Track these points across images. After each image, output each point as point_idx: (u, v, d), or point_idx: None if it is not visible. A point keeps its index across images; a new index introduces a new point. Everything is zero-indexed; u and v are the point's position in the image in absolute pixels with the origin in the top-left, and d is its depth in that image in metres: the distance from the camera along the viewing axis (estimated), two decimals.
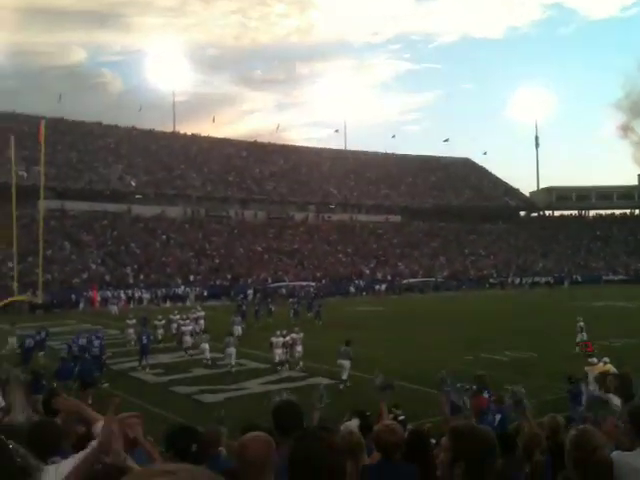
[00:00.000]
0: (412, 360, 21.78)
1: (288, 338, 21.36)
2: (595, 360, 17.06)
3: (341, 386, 17.68)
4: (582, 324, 24.12)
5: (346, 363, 18.54)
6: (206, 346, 22.00)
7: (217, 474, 1.39)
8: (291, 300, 38.15)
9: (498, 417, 12.06)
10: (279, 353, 20.87)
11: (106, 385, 18.24)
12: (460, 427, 2.73)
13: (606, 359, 16.78)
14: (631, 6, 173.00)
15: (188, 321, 26.70)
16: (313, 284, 57.29)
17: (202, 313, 30.24)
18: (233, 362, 20.89)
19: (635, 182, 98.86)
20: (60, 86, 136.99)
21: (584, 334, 23.63)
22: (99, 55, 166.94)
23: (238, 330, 27.23)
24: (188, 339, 24.38)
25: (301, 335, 21.68)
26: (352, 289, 58.72)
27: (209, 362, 21.81)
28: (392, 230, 78.80)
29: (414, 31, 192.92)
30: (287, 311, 35.88)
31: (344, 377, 18.23)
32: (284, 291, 53.86)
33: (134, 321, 27.20)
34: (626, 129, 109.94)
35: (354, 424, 10.46)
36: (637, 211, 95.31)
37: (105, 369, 20.26)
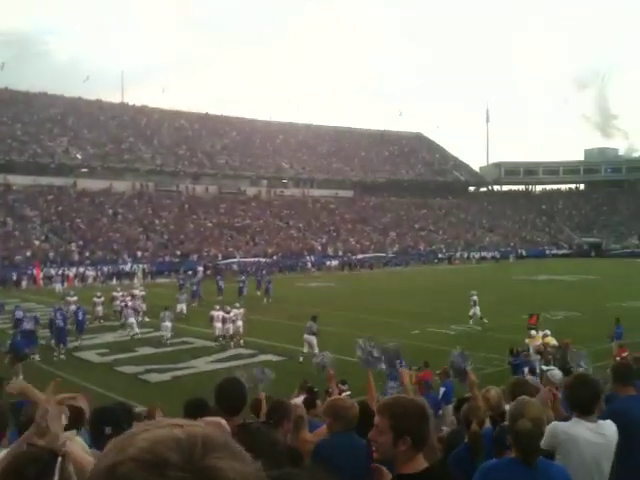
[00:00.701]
0: (360, 336, 21.93)
1: (232, 314, 21.43)
2: (534, 332, 17.57)
3: (301, 358, 17.72)
4: (475, 298, 24.46)
5: (311, 338, 18.65)
6: (168, 324, 21.67)
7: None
8: (238, 279, 37.55)
9: (442, 390, 12.33)
10: (218, 327, 21.29)
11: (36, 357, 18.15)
12: (392, 402, 2.67)
13: (547, 331, 17.31)
14: None
15: (129, 298, 26.06)
16: (264, 260, 56.97)
17: (142, 292, 28.91)
18: (169, 335, 21.43)
19: (581, 157, 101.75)
20: (1, 54, 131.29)
21: (477, 308, 24.21)
22: (43, 22, 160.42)
23: (182, 308, 27.20)
24: (132, 320, 23.44)
25: (242, 311, 21.78)
26: (309, 265, 58.69)
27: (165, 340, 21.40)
28: (344, 205, 79.01)
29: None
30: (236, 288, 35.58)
31: (305, 350, 18.24)
32: (235, 267, 53.44)
33: (75, 298, 26.40)
34: None
35: (300, 400, 10.51)
36: (582, 186, 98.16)
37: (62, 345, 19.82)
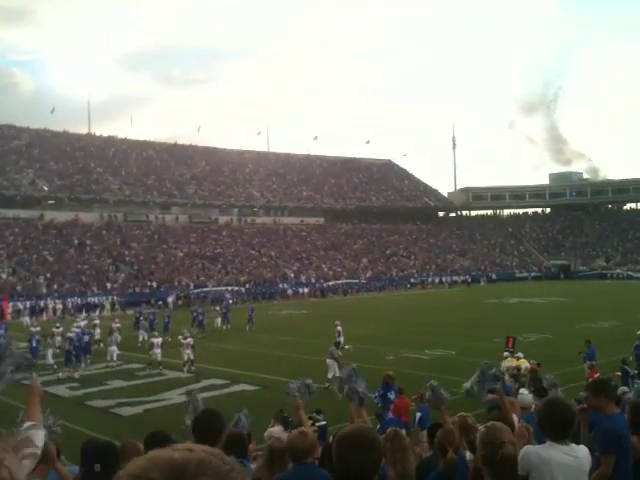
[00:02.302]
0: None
1: (188, 340, 22.48)
2: (506, 354, 17.68)
3: (326, 384, 17.40)
4: (340, 328, 24.50)
5: (332, 362, 18.66)
6: (157, 351, 22.61)
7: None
8: (193, 308, 36.67)
9: (418, 415, 12.29)
10: (157, 353, 22.52)
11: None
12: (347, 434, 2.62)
13: (520, 354, 17.43)
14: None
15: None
16: (229, 288, 56.37)
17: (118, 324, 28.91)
18: (114, 358, 23.18)
19: (546, 182, 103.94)
20: None
21: (342, 338, 24.17)
22: (9, 54, 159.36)
23: (143, 335, 27.90)
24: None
25: (189, 340, 22.54)
26: (289, 291, 58.77)
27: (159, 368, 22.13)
28: (316, 232, 79.16)
29: (335, 29, 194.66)
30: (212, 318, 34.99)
31: (329, 376, 17.94)
32: (208, 297, 52.90)
33: (60, 329, 26.72)
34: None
35: (276, 430, 10.39)
36: (548, 209, 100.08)
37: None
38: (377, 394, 13.74)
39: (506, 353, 17.72)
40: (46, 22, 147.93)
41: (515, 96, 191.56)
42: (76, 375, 21.46)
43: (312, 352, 24.64)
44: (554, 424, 3.72)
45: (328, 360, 19.04)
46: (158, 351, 22.59)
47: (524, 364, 16.62)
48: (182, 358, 22.47)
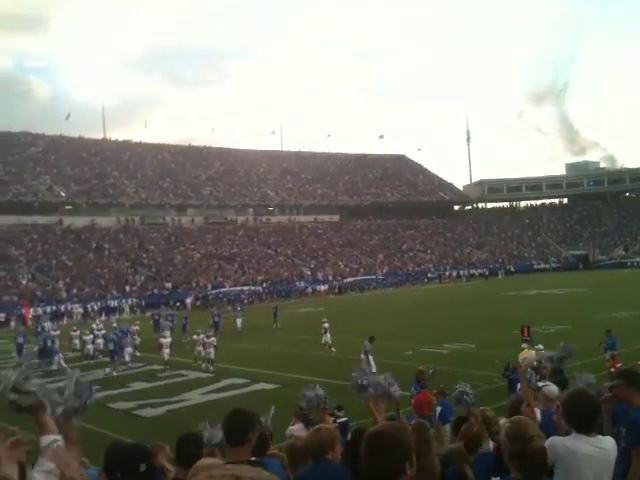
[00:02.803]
0: (355, 359, 21.81)
1: (211, 340, 23.07)
2: (525, 346, 17.53)
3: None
4: (327, 325, 24.56)
5: (365, 358, 18.97)
6: (167, 351, 23.52)
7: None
8: (212, 310, 36.73)
9: (438, 409, 12.26)
10: (167, 352, 23.38)
11: None
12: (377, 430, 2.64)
13: (540, 346, 17.27)
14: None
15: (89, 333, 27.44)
16: (246, 288, 56.70)
17: (136, 326, 29.13)
18: (128, 358, 23.80)
19: (563, 172, 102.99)
20: None
21: (328, 335, 24.19)
22: (24, 61, 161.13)
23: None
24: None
25: (212, 340, 23.04)
26: (309, 289, 58.79)
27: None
28: (331, 229, 79.17)
29: (346, 28, 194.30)
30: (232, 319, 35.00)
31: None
32: (224, 299, 53.10)
33: (78, 332, 27.77)
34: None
35: (297, 428, 10.39)
36: (565, 200, 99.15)
37: None
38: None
39: (524, 345, 17.58)
40: (59, 29, 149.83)
41: (525, 87, 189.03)
42: (115, 373, 22.49)
43: (329, 350, 24.68)
44: (580, 416, 3.68)
45: (362, 356, 19.22)
46: (167, 351, 23.50)
47: (532, 354, 16.50)
48: (199, 355, 23.23)
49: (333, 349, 23.87)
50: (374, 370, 18.11)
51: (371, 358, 19.05)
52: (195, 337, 24.07)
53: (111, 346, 23.86)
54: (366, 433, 2.65)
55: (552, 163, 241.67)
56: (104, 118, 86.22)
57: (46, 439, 2.99)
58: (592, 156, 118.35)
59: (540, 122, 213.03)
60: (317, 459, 4.06)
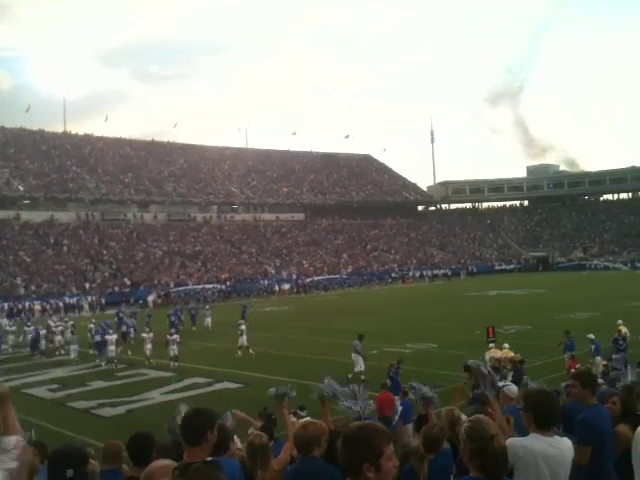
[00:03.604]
0: (318, 359, 21.86)
1: (174, 337, 23.16)
2: (491, 345, 17.80)
3: (349, 375, 17.44)
4: (244, 327, 24.58)
5: (357, 357, 18.76)
6: (148, 346, 23.57)
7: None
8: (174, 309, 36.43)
9: (400, 409, 12.34)
10: (112, 350, 23.58)
11: None
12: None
13: (506, 345, 17.54)
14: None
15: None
16: (210, 286, 56.36)
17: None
18: (73, 356, 24.31)
19: (524, 174, 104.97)
20: None
21: (244, 337, 24.23)
22: None
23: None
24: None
25: (175, 337, 23.12)
26: (276, 287, 58.67)
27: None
28: (296, 228, 79.08)
29: (318, 23, 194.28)
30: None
31: (356, 369, 18.39)
32: (186, 295, 52.61)
33: (31, 328, 28.29)
34: None
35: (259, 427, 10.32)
36: (526, 202, 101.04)
37: None
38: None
39: (491, 344, 17.85)
40: (23, 18, 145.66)
41: (484, 88, 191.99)
42: (103, 365, 23.42)
43: (295, 349, 24.67)
44: (542, 414, 3.74)
45: (353, 355, 19.07)
46: (149, 347, 23.46)
47: (509, 354, 16.75)
48: (168, 354, 22.89)
49: (252, 351, 23.73)
50: (362, 368, 18.22)
51: (361, 357, 18.91)
52: (144, 335, 24.14)
53: (98, 338, 24.58)
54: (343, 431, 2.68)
55: (513, 166, 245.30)
56: (65, 111, 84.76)
57: (12, 439, 2.90)
58: (551, 159, 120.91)
59: (495, 123, 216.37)
60: (305, 455, 4.09)
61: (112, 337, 23.88)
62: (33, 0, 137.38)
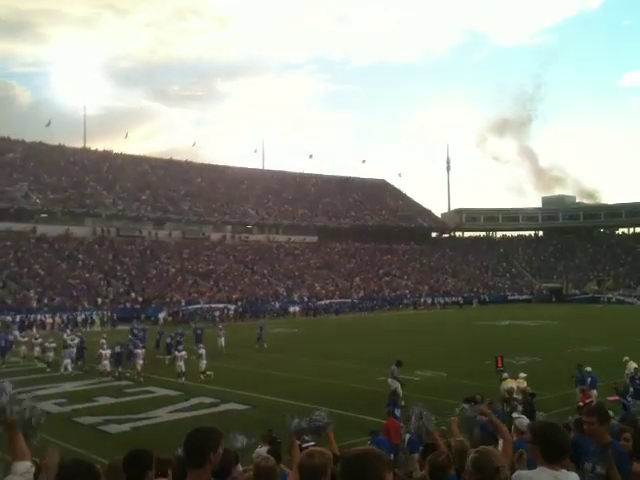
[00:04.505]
0: (326, 383, 21.74)
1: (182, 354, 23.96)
2: (505, 375, 17.58)
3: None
4: (202, 351, 24.48)
5: (394, 383, 18.31)
6: (140, 362, 24.50)
7: None
8: (196, 325, 35.79)
9: (407, 437, 12.19)
10: (105, 364, 24.32)
11: None
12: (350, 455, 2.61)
13: (522, 374, 17.35)
14: (537, 34, 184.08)
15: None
16: (221, 306, 56.21)
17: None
18: (70, 369, 25.20)
19: (539, 205, 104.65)
20: None
21: (204, 361, 24.08)
22: (7, 66, 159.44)
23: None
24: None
25: (183, 354, 23.92)
26: (291, 308, 58.63)
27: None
28: (309, 250, 79.16)
29: (333, 52, 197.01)
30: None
31: None
32: (198, 314, 52.62)
33: (39, 340, 29.22)
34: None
35: (263, 450, 10.27)
36: (540, 232, 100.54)
37: None
38: (388, 404, 14.01)
39: (505, 374, 17.65)
40: (45, 36, 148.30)
41: (495, 117, 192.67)
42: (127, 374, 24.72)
43: (304, 371, 24.56)
44: (547, 447, 3.71)
45: (389, 380, 18.69)
46: (140, 362, 24.33)
47: (522, 384, 16.57)
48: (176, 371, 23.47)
49: (209, 373, 23.57)
50: (400, 395, 17.76)
51: (398, 383, 18.41)
52: (137, 350, 24.94)
53: (121, 350, 25.90)
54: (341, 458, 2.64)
55: (522, 196, 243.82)
56: (85, 127, 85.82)
57: (22, 466, 2.92)
58: (565, 190, 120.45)
59: (502, 153, 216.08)
60: None
61: (141, 351, 24.89)
62: (58, 20, 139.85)
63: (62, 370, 25.11)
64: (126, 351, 26.11)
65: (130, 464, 4.20)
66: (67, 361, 25.65)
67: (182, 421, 16.06)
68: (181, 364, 23.35)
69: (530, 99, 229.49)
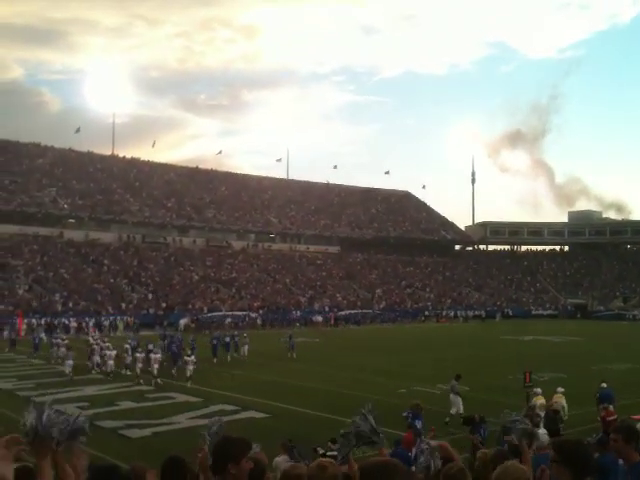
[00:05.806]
0: (347, 394, 21.65)
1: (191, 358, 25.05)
2: (539, 391, 17.44)
3: (447, 419, 17.25)
4: (192, 358, 25.17)
5: (455, 398, 18.20)
6: (139, 365, 24.98)
7: None
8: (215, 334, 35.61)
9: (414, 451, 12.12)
10: (110, 364, 25.65)
11: None
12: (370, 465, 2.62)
13: (560, 389, 17.27)
14: (567, 48, 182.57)
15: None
16: (241, 314, 56.38)
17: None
18: (67, 371, 25.16)
19: (565, 219, 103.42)
20: None
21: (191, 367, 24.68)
22: (38, 73, 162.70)
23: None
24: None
25: (158, 356, 25.08)
26: (315, 318, 58.95)
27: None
28: (331, 261, 79.18)
29: (359, 63, 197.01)
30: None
31: (452, 412, 17.76)
32: (220, 321, 52.82)
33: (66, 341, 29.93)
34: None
35: (281, 460, 10.26)
36: (566, 248, 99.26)
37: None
38: (407, 415, 14.04)
39: (537, 389, 17.55)
40: (76, 45, 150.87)
41: (514, 128, 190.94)
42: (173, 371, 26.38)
43: (324, 381, 24.51)
44: (573, 466, 3.66)
45: (451, 396, 18.48)
46: (111, 362, 25.74)
47: (560, 399, 16.52)
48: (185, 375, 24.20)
49: (159, 380, 24.16)
50: (461, 410, 17.63)
51: (459, 398, 18.28)
52: (152, 355, 25.20)
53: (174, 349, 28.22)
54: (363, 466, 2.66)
55: (551, 211, 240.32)
56: (114, 135, 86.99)
57: None
58: (586, 205, 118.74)
59: (513, 164, 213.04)
60: None
61: (157, 355, 25.13)
62: (89, 29, 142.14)
63: (67, 371, 25.23)
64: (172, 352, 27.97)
65: (169, 470, 4.22)
66: (70, 362, 25.51)
67: (201, 428, 16.10)
68: (190, 368, 24.31)
69: (546, 111, 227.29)
